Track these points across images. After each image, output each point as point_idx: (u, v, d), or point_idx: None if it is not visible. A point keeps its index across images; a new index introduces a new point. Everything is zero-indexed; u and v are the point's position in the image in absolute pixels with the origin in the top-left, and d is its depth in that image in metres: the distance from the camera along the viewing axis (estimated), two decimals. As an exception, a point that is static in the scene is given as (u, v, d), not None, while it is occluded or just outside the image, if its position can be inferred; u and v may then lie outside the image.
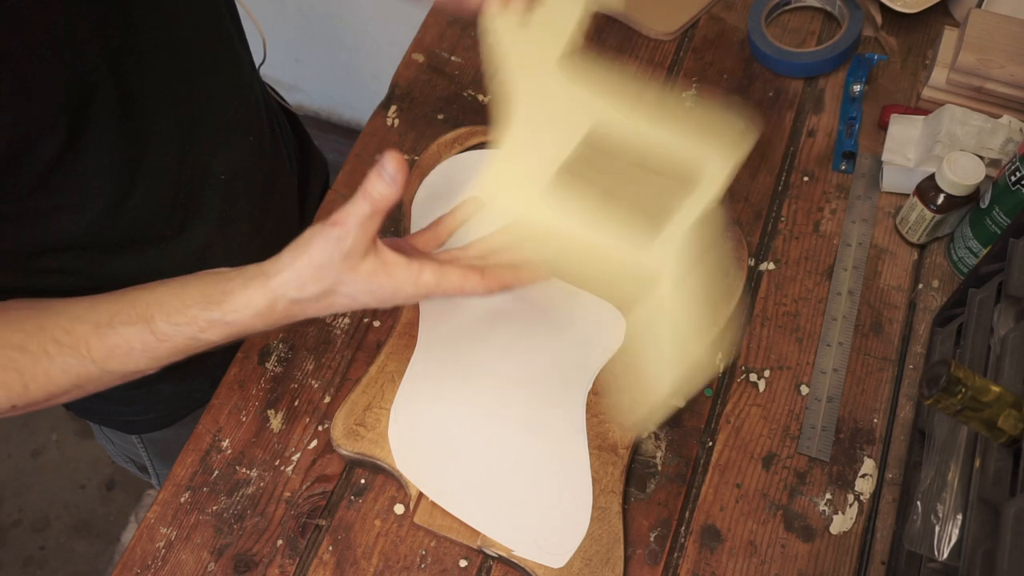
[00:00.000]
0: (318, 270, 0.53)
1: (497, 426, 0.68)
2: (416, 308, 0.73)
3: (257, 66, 0.76)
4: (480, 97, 0.87)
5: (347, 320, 0.75)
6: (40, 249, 0.61)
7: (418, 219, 0.77)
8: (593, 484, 0.66)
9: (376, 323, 0.75)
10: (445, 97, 0.87)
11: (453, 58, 0.89)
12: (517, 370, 0.71)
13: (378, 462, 0.67)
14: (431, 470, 0.67)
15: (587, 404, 0.69)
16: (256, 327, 0.57)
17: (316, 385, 0.72)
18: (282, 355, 0.74)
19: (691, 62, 0.89)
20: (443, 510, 0.65)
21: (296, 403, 0.71)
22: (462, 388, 0.70)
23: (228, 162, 0.68)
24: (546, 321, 0.73)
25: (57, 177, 0.55)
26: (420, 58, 0.89)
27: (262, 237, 0.74)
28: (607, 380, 0.70)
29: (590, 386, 0.70)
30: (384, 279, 0.54)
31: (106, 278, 0.65)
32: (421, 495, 0.66)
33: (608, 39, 0.90)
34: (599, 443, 0.68)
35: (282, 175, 0.76)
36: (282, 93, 0.81)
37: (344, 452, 0.67)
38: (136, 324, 0.56)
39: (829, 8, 0.90)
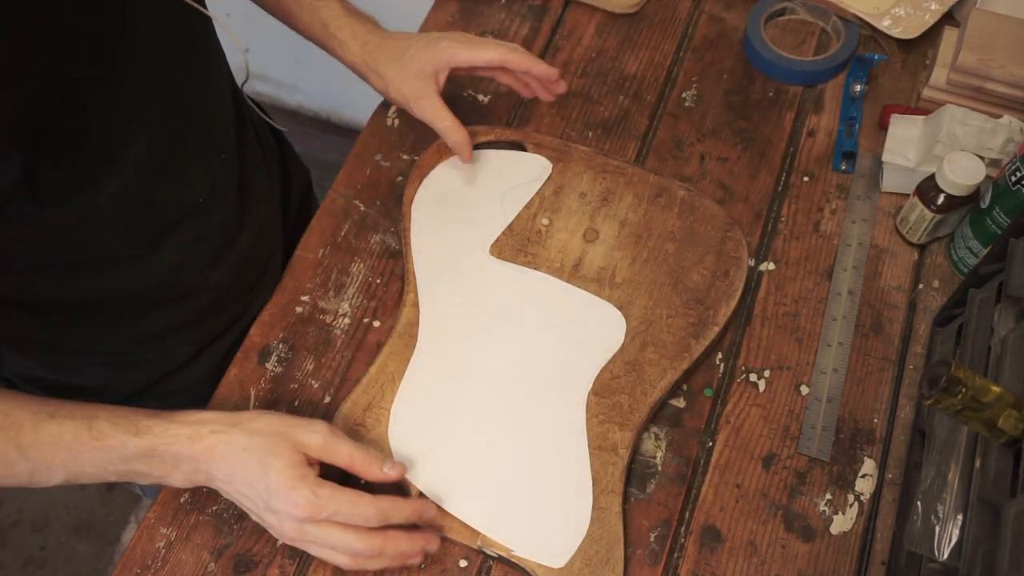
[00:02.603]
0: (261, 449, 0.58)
1: (497, 426, 0.68)
2: (416, 308, 0.73)
3: (241, 84, 0.76)
4: (480, 97, 0.87)
5: (347, 320, 0.75)
6: None
7: (418, 219, 0.77)
8: (593, 484, 0.66)
9: (376, 323, 0.75)
10: (445, 97, 0.87)
11: (453, 58, 0.89)
12: (517, 370, 0.71)
13: None
14: (431, 470, 0.67)
15: (588, 405, 0.69)
16: (180, 459, 0.59)
17: (316, 385, 0.72)
18: (282, 355, 0.73)
19: (691, 62, 0.89)
20: (443, 510, 0.65)
21: (296, 403, 0.71)
22: (462, 388, 0.70)
23: (200, 182, 0.67)
24: (546, 321, 0.73)
25: (14, 205, 0.54)
26: (420, 58, 0.89)
27: (236, 252, 0.73)
28: (607, 381, 0.70)
29: (591, 386, 0.70)
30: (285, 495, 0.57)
31: (75, 295, 0.65)
32: (421, 495, 0.66)
33: (608, 39, 0.90)
34: (599, 443, 0.67)
35: (258, 186, 0.75)
36: (282, 93, 0.80)
37: None
38: (78, 419, 0.57)
39: (823, 24, 0.90)
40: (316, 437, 0.59)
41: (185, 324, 0.73)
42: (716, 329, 0.72)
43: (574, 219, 0.77)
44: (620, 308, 0.73)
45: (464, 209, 0.78)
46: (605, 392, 0.69)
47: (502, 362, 0.71)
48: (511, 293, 0.74)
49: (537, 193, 0.78)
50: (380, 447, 0.67)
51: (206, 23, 0.66)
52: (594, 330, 0.72)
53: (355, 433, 0.67)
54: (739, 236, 0.76)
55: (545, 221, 0.77)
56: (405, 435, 0.68)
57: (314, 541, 0.59)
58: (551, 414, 0.69)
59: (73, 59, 0.53)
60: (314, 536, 0.58)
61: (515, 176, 0.80)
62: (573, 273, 0.75)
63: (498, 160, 0.80)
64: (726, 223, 0.77)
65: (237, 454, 0.58)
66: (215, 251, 0.71)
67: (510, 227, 0.77)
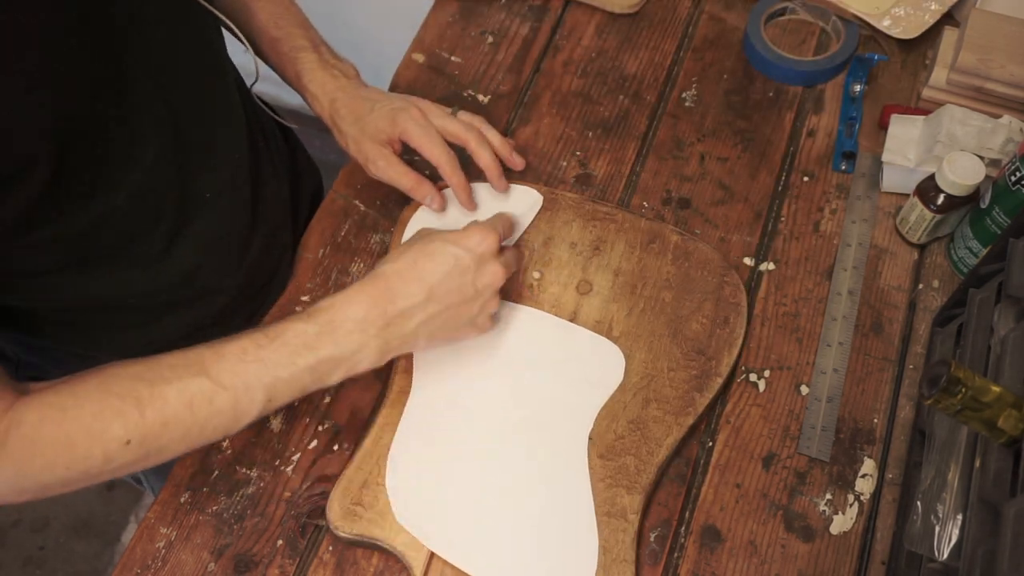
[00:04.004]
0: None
1: (497, 478, 0.66)
2: (408, 374, 0.70)
3: (250, 85, 0.76)
4: (480, 97, 0.87)
5: (347, 320, 0.75)
6: (13, 273, 0.60)
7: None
8: (604, 554, 0.63)
9: (376, 323, 0.75)
10: (445, 97, 0.87)
11: (453, 58, 0.89)
12: (515, 412, 0.68)
13: (379, 543, 0.64)
14: (434, 525, 0.64)
15: (594, 468, 0.66)
16: (363, 321, 0.60)
17: (316, 385, 0.72)
18: (282, 355, 0.73)
19: (691, 62, 0.89)
20: (454, 568, 0.63)
21: (296, 403, 0.71)
22: (459, 437, 0.68)
23: (212, 182, 0.67)
24: (542, 360, 0.70)
25: (38, 208, 0.55)
26: (420, 58, 0.89)
27: (250, 254, 0.73)
28: (612, 442, 0.67)
29: (591, 425, 0.68)
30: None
31: (92, 298, 0.65)
32: (429, 565, 0.64)
33: (608, 39, 0.90)
34: (607, 509, 0.65)
35: (269, 188, 0.75)
36: (283, 94, 0.81)
37: (343, 534, 0.64)
38: (245, 336, 0.58)
39: (823, 24, 0.90)
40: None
41: (199, 327, 0.73)
42: (719, 381, 0.70)
43: (566, 271, 0.74)
44: None
45: None
46: (610, 454, 0.67)
47: (501, 405, 0.69)
48: (506, 331, 0.71)
49: (526, 245, 0.76)
50: (381, 526, 0.65)
51: (215, 24, 0.66)
52: (592, 367, 0.70)
53: (353, 513, 0.65)
54: (736, 281, 0.74)
55: (536, 275, 0.74)
56: (404, 488, 0.65)
57: (505, 264, 0.66)
58: (553, 464, 0.66)
59: (90, 60, 0.53)
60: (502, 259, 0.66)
61: (506, 209, 0.76)
62: None
63: (486, 194, 0.78)
64: (722, 267, 0.74)
65: (408, 268, 0.62)
66: (228, 253, 0.71)
67: None
